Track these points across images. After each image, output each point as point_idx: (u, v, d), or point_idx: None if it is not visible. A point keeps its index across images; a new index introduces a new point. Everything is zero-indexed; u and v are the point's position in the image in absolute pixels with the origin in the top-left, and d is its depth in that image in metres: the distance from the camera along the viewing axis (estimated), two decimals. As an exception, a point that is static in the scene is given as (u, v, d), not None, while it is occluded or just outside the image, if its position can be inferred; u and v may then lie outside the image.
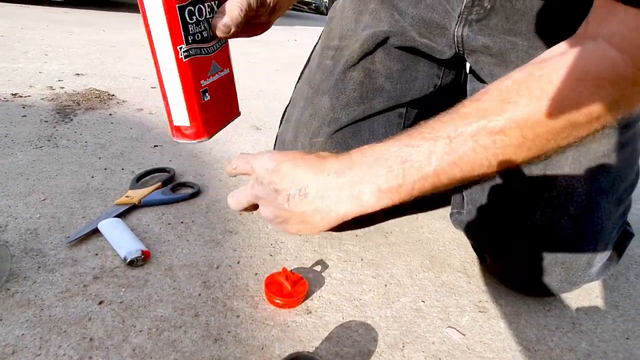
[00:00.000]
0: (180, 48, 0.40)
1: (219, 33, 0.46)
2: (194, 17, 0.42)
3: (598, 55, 0.34)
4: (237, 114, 0.57)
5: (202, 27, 0.44)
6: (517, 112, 0.36)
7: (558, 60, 0.36)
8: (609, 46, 0.34)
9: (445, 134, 0.39)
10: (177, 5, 0.38)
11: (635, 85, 0.34)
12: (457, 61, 0.69)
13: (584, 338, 0.54)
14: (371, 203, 0.45)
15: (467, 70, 0.74)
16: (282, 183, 0.46)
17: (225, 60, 0.51)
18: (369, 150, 0.46)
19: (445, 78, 0.72)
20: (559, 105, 0.35)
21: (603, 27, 0.35)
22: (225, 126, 0.53)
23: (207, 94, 0.47)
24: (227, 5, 0.46)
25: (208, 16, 0.45)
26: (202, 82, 0.45)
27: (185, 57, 0.41)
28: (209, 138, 0.49)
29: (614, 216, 0.55)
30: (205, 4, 0.44)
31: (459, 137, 0.38)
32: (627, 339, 0.55)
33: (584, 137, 0.38)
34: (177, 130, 0.45)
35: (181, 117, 0.44)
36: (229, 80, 0.53)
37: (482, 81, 0.66)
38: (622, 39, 0.33)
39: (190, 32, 0.41)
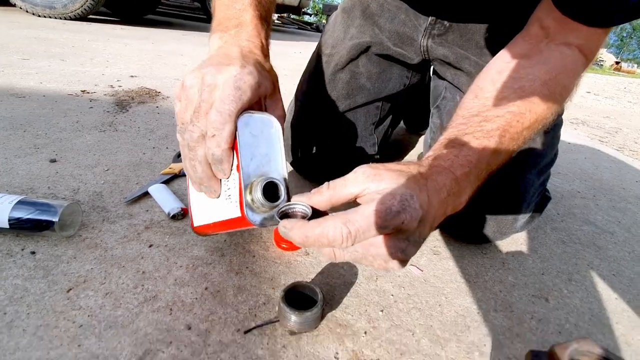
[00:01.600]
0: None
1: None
2: None
3: (574, 56, 0.38)
4: None
5: None
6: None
7: (544, 61, 0.37)
8: (578, 51, 0.38)
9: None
10: None
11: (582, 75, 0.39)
12: (423, 66, 0.67)
13: (511, 274, 0.54)
14: None
15: (431, 73, 0.71)
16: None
17: None
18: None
19: (412, 79, 0.69)
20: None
21: (569, 38, 0.37)
22: None
23: None
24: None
25: None
26: None
27: None
28: None
29: (536, 184, 0.54)
30: None
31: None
32: (543, 274, 0.55)
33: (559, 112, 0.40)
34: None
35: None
36: None
37: (443, 79, 0.64)
38: (583, 46, 0.38)
39: None
